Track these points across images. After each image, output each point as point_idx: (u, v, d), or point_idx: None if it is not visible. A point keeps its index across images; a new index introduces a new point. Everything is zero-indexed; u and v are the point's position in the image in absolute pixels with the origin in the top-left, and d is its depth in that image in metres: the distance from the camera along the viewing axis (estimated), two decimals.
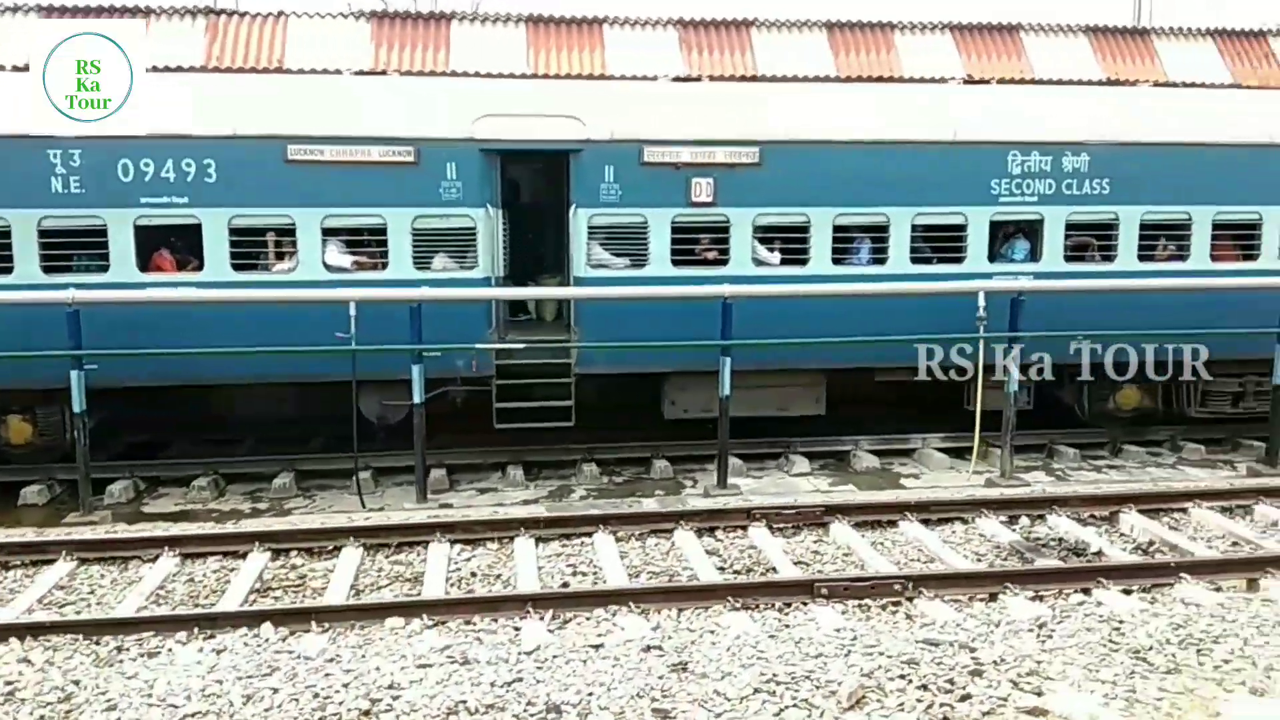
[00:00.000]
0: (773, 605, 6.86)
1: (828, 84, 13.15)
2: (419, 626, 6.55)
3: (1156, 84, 14.20)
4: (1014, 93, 12.36)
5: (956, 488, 10.40)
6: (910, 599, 6.95)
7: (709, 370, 10.30)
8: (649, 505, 9.83)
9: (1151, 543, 8.37)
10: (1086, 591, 7.09)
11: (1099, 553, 8.01)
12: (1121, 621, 6.43)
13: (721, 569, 7.78)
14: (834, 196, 10.59)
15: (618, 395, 11.63)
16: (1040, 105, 11.37)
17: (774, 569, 7.68)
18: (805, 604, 6.87)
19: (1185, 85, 14.64)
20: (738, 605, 6.76)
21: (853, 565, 7.85)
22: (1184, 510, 8.98)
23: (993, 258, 11.06)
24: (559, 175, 10.65)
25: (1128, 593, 7.10)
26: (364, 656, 5.98)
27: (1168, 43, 15.50)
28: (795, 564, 7.85)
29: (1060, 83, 14.16)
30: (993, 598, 7.03)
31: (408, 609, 6.71)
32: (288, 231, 10.14)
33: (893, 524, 8.70)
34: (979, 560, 7.97)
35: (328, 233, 10.13)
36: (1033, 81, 14.38)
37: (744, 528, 8.56)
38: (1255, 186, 11.19)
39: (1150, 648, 6.01)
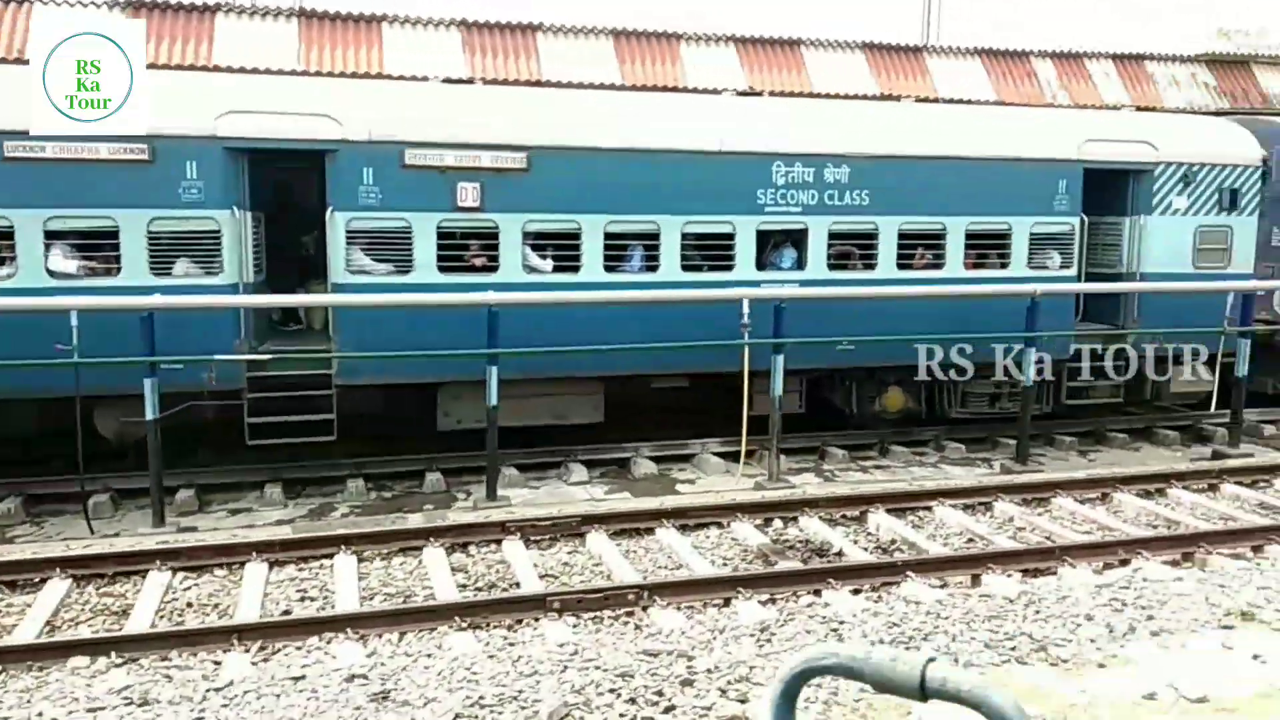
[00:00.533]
0: (503, 623, 6.63)
1: (599, 91, 13.12)
2: (105, 665, 5.99)
3: (922, 99, 14.95)
4: (779, 105, 12.67)
5: (726, 492, 10.50)
6: (645, 608, 6.87)
7: (482, 380, 10.06)
8: (413, 521, 9.45)
9: (893, 541, 8.65)
10: (817, 593, 7.20)
11: (839, 553, 8.20)
12: (842, 622, 6.54)
13: (464, 586, 7.51)
14: (605, 204, 10.53)
15: (393, 407, 11.20)
16: (804, 118, 11.68)
17: (517, 584, 7.47)
18: (537, 620, 6.68)
19: (953, 101, 15.45)
20: (465, 625, 6.50)
21: (601, 576, 7.74)
22: (929, 509, 9.34)
23: (762, 266, 11.27)
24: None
25: (857, 592, 7.26)
26: (29, 701, 5.39)
27: (939, 61, 16.32)
28: (542, 577, 7.66)
29: (831, 96, 14.66)
30: (727, 603, 7.05)
31: (96, 646, 6.12)
32: (5, 234, 9.24)
33: (650, 531, 8.65)
34: (725, 565, 8.00)
35: (52, 236, 9.29)
36: (797, 94, 14.80)
37: (498, 541, 8.32)
38: (1006, 198, 11.85)
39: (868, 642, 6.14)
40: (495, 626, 6.60)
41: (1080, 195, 12.10)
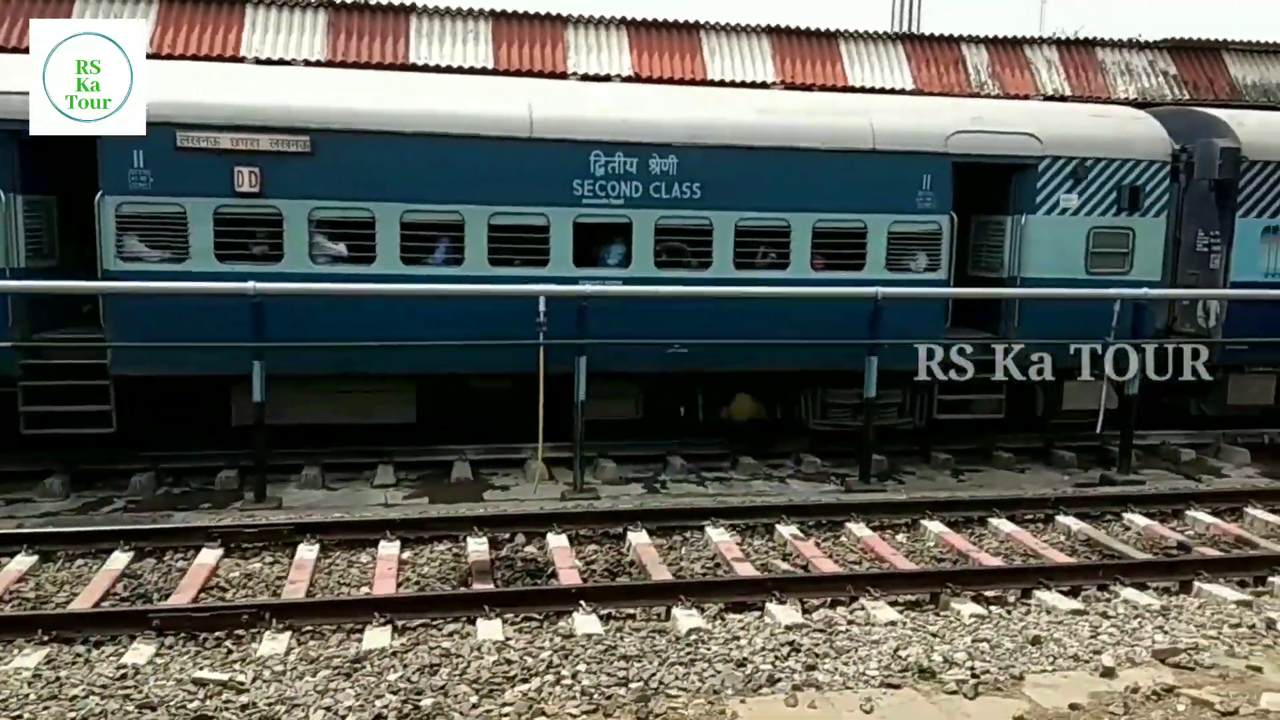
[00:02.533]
0: (93, 640, 6.11)
1: (392, 72, 12.44)
2: None
3: (829, 88, 14.02)
4: (599, 90, 11.85)
5: (527, 501, 9.88)
6: (258, 633, 6.26)
7: (283, 375, 9.71)
8: (177, 520, 9.05)
9: (633, 563, 7.90)
10: (471, 621, 6.52)
11: (554, 574, 7.49)
12: (448, 654, 5.88)
13: (111, 596, 7.02)
14: (401, 191, 9.95)
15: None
16: (628, 104, 10.88)
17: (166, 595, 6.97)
18: (133, 638, 6.14)
19: (864, 90, 14.40)
20: (48, 639, 6.01)
21: (269, 592, 7.20)
22: (701, 529, 8.53)
23: (586, 261, 10.56)
24: None
25: (515, 621, 6.55)
26: None
27: (854, 46, 15.23)
28: (207, 590, 7.14)
29: (728, 84, 13.73)
30: (355, 632, 6.40)
31: None
32: None
33: (371, 544, 8.04)
34: (417, 585, 7.35)
35: None
36: (690, 81, 13.93)
37: (198, 548, 7.82)
38: (860, 193, 10.89)
39: (442, 686, 5.47)
40: (84, 643, 6.08)
41: (949, 191, 11.05)
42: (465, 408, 11.08)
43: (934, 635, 6.37)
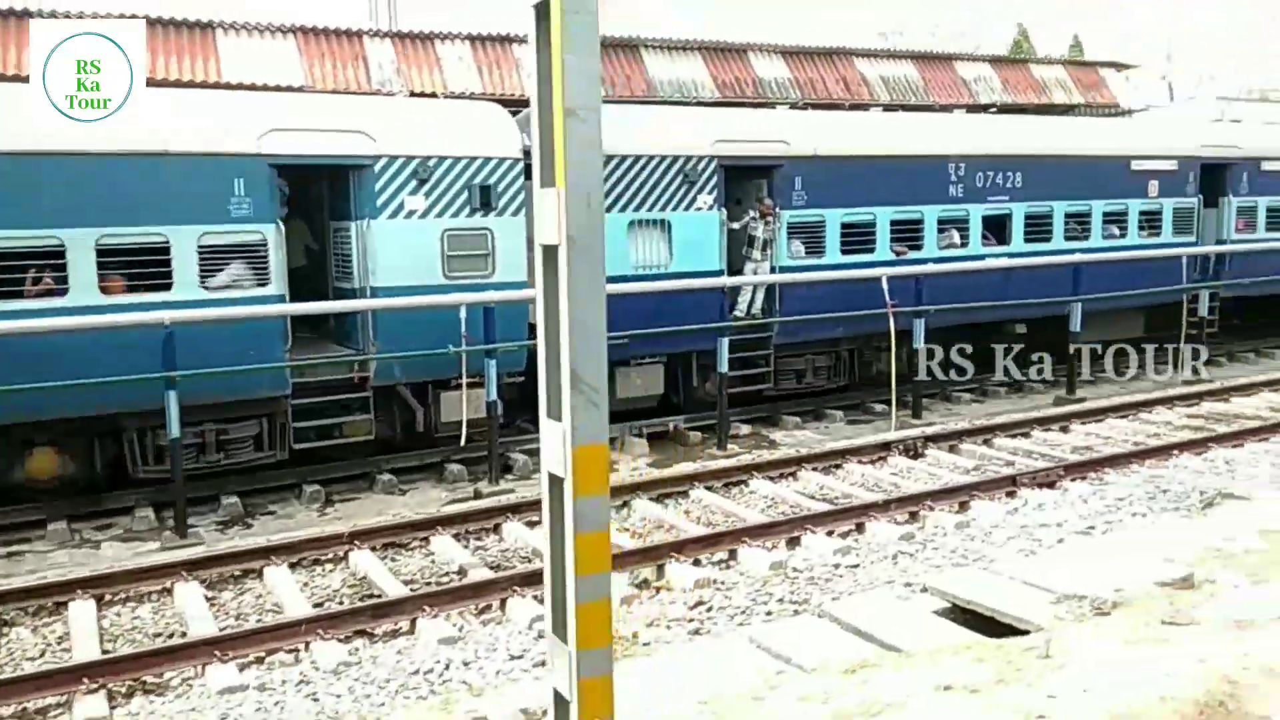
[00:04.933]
0: None
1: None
2: None
3: (203, 85, 12.59)
4: None
5: None
6: None
7: None
8: None
9: None
10: None
11: None
12: None
13: None
14: None
15: None
16: None
17: None
18: None
19: (240, 86, 13.00)
20: None
21: None
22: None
23: None
24: None
25: None
26: None
27: (234, 38, 13.78)
28: None
29: None
30: None
31: None
32: None
33: None
34: None
35: None
36: None
37: None
38: (162, 202, 9.46)
39: None
40: None
41: (270, 197, 9.95)
42: None
43: None
